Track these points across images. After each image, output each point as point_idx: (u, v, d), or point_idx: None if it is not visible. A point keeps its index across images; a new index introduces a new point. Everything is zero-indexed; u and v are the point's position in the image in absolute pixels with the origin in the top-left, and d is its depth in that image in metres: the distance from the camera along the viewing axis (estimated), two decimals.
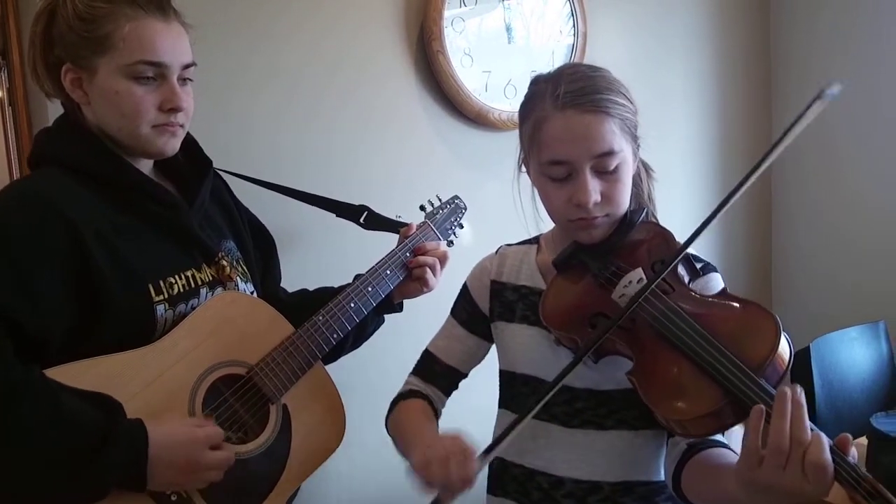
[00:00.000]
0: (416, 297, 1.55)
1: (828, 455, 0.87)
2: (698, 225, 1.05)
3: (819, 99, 1.00)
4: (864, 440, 1.67)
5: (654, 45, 2.49)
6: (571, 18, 2.23)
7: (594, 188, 1.10)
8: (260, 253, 1.50)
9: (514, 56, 2.15)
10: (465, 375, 1.34)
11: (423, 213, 1.64)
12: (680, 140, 2.59)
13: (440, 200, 1.67)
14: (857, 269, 2.60)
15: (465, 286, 1.35)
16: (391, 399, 1.32)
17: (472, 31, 2.08)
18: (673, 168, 2.55)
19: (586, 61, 2.21)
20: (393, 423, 1.28)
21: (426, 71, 2.04)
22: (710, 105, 2.65)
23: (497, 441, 1.03)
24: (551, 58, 2.21)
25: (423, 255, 1.52)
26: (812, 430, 0.89)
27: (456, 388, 1.34)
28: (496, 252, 1.34)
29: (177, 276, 1.24)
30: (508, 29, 2.15)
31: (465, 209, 1.70)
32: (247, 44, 1.80)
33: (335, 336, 1.36)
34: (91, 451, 1.04)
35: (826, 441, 0.88)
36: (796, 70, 2.72)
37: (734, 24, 2.68)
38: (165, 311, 1.21)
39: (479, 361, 1.34)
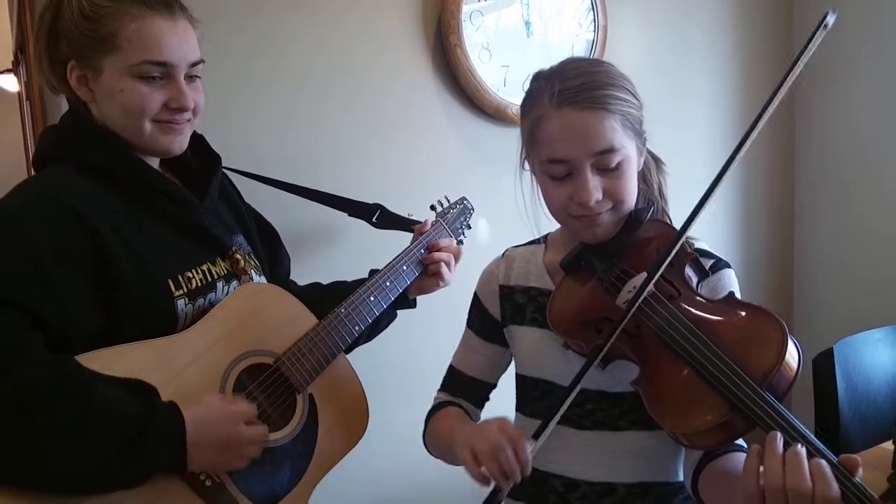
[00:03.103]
0: (432, 291, 1.56)
1: (835, 490, 0.84)
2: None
3: (823, 28, 0.98)
4: (889, 445, 1.63)
5: (675, 40, 2.46)
6: (591, 12, 2.20)
7: (595, 186, 1.08)
8: (265, 246, 1.51)
9: (533, 50, 2.13)
10: (494, 385, 1.33)
11: (433, 213, 1.65)
12: (701, 136, 2.56)
13: (449, 201, 1.69)
14: (882, 269, 2.56)
15: (475, 295, 1.33)
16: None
17: (490, 26, 2.05)
18: (695, 165, 2.51)
19: (606, 56, 2.18)
20: (430, 435, 1.28)
21: (443, 65, 2.02)
22: (733, 100, 2.62)
23: (543, 425, 1.02)
24: (571, 52, 2.18)
25: (437, 251, 1.53)
26: (817, 464, 0.86)
27: (487, 399, 1.33)
28: (502, 255, 1.32)
29: (193, 271, 1.24)
30: (527, 23, 2.12)
31: (473, 210, 1.71)
32: (256, 35, 1.79)
33: (357, 328, 1.37)
34: (130, 440, 1.04)
35: (831, 476, 0.85)
36: (820, 64, 2.67)
37: (757, 16, 2.65)
38: (185, 305, 1.21)
39: (504, 369, 1.33)
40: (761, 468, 0.88)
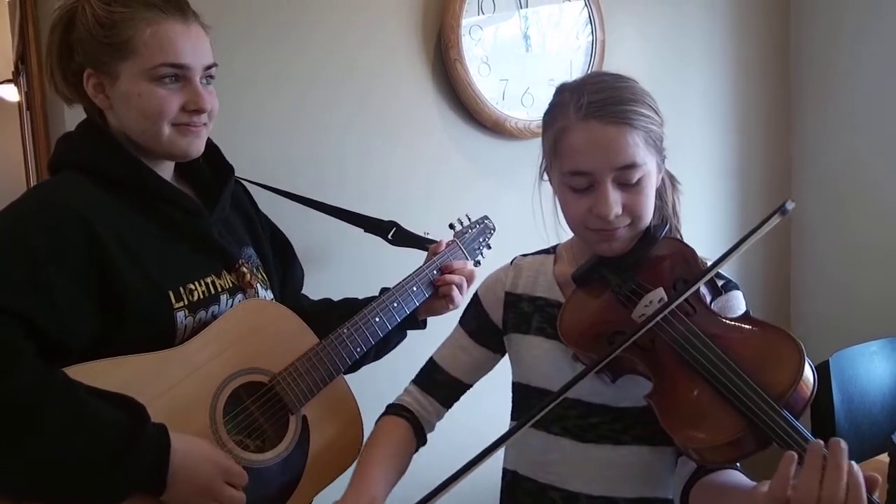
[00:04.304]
0: (441, 314, 1.54)
1: None
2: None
3: (781, 213, 1.01)
4: (884, 457, 1.64)
5: (671, 53, 2.48)
6: (589, 26, 2.21)
7: (615, 200, 1.09)
8: (278, 259, 1.50)
9: (532, 64, 2.14)
10: (469, 387, 1.32)
11: (451, 232, 1.63)
12: (698, 150, 2.58)
13: (469, 220, 1.66)
14: (878, 282, 2.57)
15: (475, 296, 1.33)
16: None
17: (489, 40, 2.07)
18: (691, 179, 2.52)
19: (604, 69, 2.20)
20: (366, 443, 1.27)
21: (443, 79, 2.04)
22: (729, 113, 2.64)
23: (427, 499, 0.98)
24: (569, 66, 2.20)
25: (450, 273, 1.51)
26: (855, 475, 0.86)
27: (457, 399, 1.32)
28: (511, 263, 1.32)
29: (197, 283, 1.24)
30: (526, 37, 2.14)
31: (494, 230, 1.68)
32: (259, 47, 1.80)
33: (358, 350, 1.36)
34: (116, 453, 1.04)
35: (863, 489, 0.85)
36: (816, 79, 2.70)
37: (753, 31, 2.67)
38: (185, 317, 1.21)
39: (485, 373, 1.32)
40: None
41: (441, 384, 1.30)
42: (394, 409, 1.29)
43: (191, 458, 1.11)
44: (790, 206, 1.00)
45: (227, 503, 1.15)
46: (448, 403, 1.31)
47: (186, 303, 1.21)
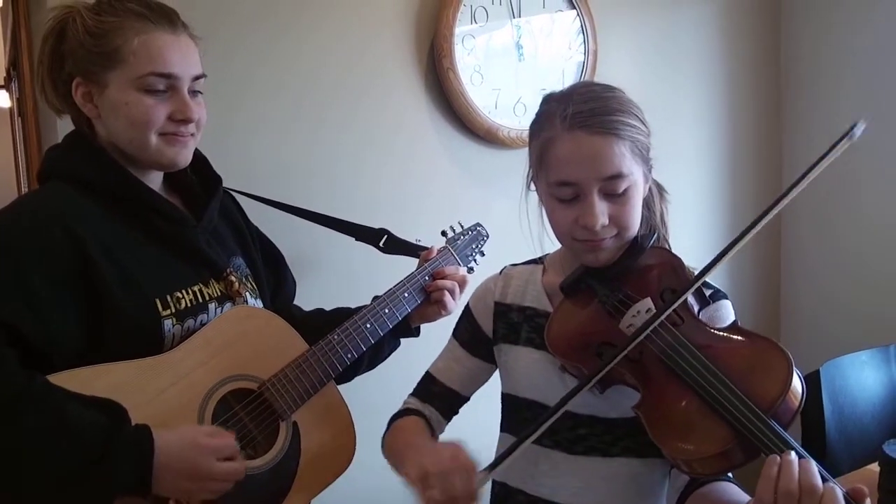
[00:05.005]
0: (434, 320, 1.53)
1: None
2: (707, 262, 1.05)
3: (848, 138, 0.99)
4: (875, 467, 1.64)
5: (664, 64, 2.49)
6: (581, 36, 2.22)
7: (601, 211, 1.09)
8: (270, 269, 1.50)
9: (524, 74, 2.15)
10: (467, 399, 1.32)
11: (443, 239, 1.62)
12: (689, 160, 2.58)
13: (462, 227, 1.66)
14: (868, 292, 2.58)
15: (467, 307, 1.33)
16: None
17: (481, 49, 2.08)
18: (682, 188, 2.53)
19: (596, 79, 2.20)
20: (388, 442, 1.26)
21: (436, 87, 2.04)
22: (720, 124, 2.65)
23: (502, 457, 1.00)
24: (561, 76, 2.21)
25: (442, 278, 1.50)
26: (826, 480, 0.88)
27: (456, 412, 1.32)
28: (500, 272, 1.32)
29: (184, 291, 1.24)
30: (518, 46, 2.14)
31: (488, 237, 1.68)
32: (252, 53, 1.80)
33: (349, 356, 1.35)
34: (96, 457, 1.04)
35: (840, 494, 0.87)
36: (807, 88, 2.71)
37: (745, 42, 2.68)
38: (173, 325, 1.21)
39: (480, 384, 1.32)
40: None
41: (438, 395, 1.30)
42: (402, 413, 1.29)
43: (175, 450, 1.10)
44: (860, 128, 0.98)
45: (217, 479, 1.14)
46: (447, 415, 1.31)
47: (174, 311, 1.21)
